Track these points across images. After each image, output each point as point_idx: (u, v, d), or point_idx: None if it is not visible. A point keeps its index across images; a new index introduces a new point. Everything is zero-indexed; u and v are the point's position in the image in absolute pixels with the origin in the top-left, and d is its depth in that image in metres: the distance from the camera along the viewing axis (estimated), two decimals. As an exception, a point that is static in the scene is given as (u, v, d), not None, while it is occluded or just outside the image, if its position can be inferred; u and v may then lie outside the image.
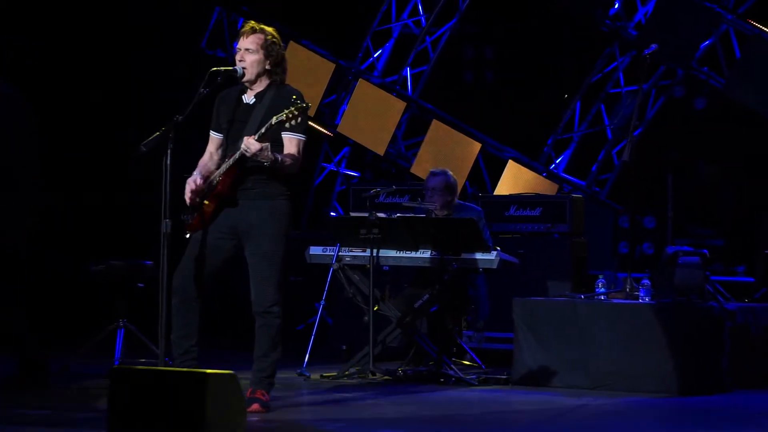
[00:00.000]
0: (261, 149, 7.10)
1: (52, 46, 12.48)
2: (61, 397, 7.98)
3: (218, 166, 7.40)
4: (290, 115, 7.07)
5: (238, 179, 7.25)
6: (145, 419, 6.07)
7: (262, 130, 7.13)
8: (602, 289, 9.07)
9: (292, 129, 7.18)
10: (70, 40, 12.64)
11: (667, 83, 12.76)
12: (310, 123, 7.44)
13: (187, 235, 7.35)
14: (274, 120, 7.09)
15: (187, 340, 7.29)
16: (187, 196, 7.34)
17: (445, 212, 9.57)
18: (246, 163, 7.23)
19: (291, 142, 7.26)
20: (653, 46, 9.44)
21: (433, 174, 9.74)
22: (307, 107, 7.14)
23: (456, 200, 9.73)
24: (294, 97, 7.15)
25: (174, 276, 7.27)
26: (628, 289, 9.03)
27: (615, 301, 8.92)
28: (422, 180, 10.08)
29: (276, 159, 7.16)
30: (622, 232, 11.54)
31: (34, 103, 8.23)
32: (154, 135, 6.94)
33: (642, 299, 8.77)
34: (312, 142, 7.40)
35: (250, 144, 7.11)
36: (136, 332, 9.27)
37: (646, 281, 8.85)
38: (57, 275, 11.81)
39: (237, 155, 7.18)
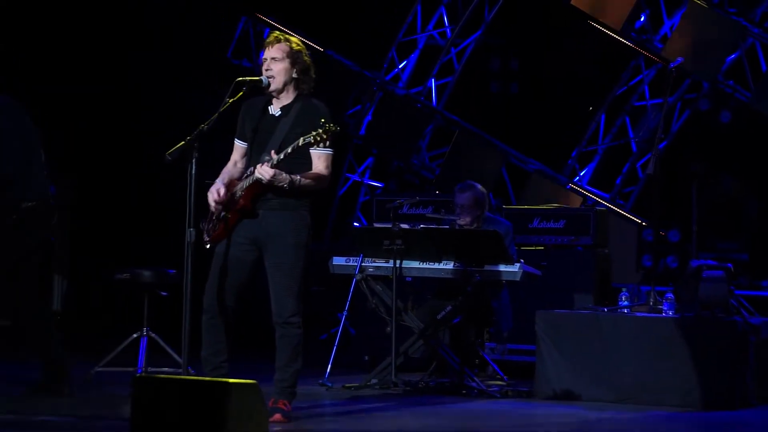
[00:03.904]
0: (274, 176, 7.09)
1: (75, 55, 12.52)
2: (84, 405, 7.99)
3: (241, 175, 7.40)
4: (318, 138, 7.04)
5: (260, 193, 7.24)
6: (167, 428, 6.08)
7: (288, 150, 7.10)
8: (625, 302, 9.04)
9: (307, 144, 7.15)
10: (98, 49, 12.70)
11: (693, 96, 12.73)
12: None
13: (208, 246, 7.36)
14: (301, 141, 7.07)
15: (217, 357, 7.29)
16: (212, 205, 7.35)
17: (475, 226, 9.52)
18: None
19: (319, 158, 7.25)
20: (679, 59, 9.41)
21: (460, 190, 9.64)
22: (337, 131, 7.11)
23: (485, 213, 9.68)
24: (323, 120, 7.11)
25: (205, 294, 7.28)
26: (651, 303, 9.00)
27: (638, 314, 8.89)
28: (446, 190, 10.05)
29: (293, 181, 7.14)
30: (646, 245, 11.50)
31: (56, 112, 8.27)
32: (179, 144, 6.94)
33: (666, 313, 8.75)
34: (336, 153, 7.37)
35: (264, 172, 7.09)
36: (159, 341, 9.29)
37: (670, 295, 8.82)
38: (82, 283, 11.86)
39: (253, 178, 7.17)
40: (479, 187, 9.73)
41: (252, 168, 7.26)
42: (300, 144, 7.07)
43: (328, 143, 7.08)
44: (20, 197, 8.02)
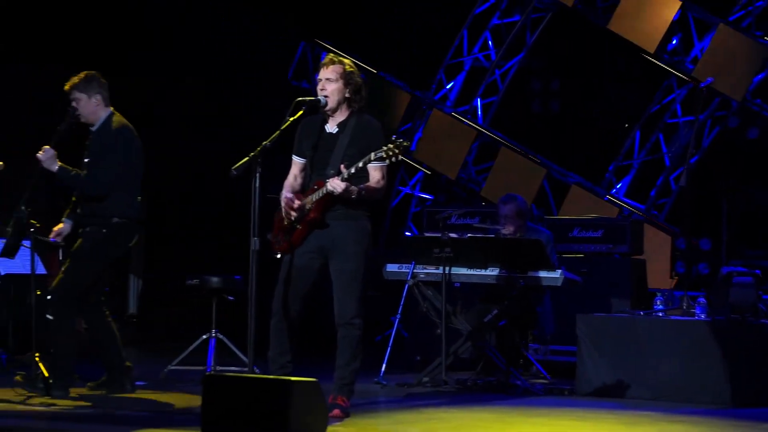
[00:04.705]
0: (346, 188, 7.11)
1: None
2: (159, 400, 8.04)
3: (301, 188, 7.42)
4: (390, 153, 7.04)
5: (329, 205, 7.26)
6: (235, 422, 6.11)
7: (359, 164, 7.11)
8: (660, 307, 8.99)
9: (378, 159, 7.15)
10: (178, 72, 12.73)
11: (722, 114, 12.63)
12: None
13: (278, 256, 7.38)
14: (373, 156, 7.07)
15: (283, 357, 7.31)
16: (284, 212, 7.34)
17: (518, 235, 9.49)
18: None
19: (376, 170, 7.25)
20: (709, 79, 9.35)
21: (503, 202, 9.64)
22: (408, 146, 7.13)
23: (527, 223, 9.66)
24: (394, 136, 7.13)
25: (273, 299, 7.30)
26: (684, 307, 8.94)
27: (673, 317, 8.83)
28: (492, 202, 10.03)
29: (360, 192, 7.17)
30: (679, 253, 11.42)
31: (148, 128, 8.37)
32: (244, 160, 6.97)
33: (698, 316, 8.68)
34: (389, 168, 7.37)
35: (336, 185, 7.11)
36: (226, 342, 9.32)
37: (702, 299, 8.75)
38: (156, 288, 11.92)
39: (325, 191, 7.18)
40: (521, 198, 9.71)
41: (318, 181, 7.27)
42: (372, 158, 7.08)
43: (400, 157, 7.07)
44: (111, 213, 8.08)
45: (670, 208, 12.94)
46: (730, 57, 12.09)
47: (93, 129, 8.21)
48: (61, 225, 8.36)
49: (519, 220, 9.54)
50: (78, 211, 8.25)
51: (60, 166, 8.05)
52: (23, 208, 8.18)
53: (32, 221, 8.20)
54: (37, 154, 8.06)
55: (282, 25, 13.69)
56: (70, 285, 8.06)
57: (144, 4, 12.91)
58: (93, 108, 8.16)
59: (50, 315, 8.32)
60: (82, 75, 8.22)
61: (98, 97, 8.17)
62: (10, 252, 8.39)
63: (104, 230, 8.05)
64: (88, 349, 8.41)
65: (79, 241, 8.18)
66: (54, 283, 8.17)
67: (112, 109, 8.23)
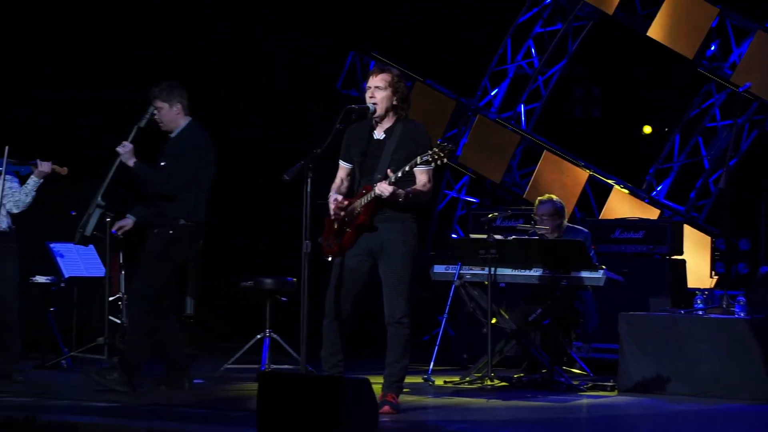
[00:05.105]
0: (393, 192, 7.15)
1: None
2: (216, 397, 8.11)
3: (348, 192, 7.46)
4: (436, 156, 7.07)
5: (378, 209, 7.30)
6: (289, 418, 6.16)
7: (406, 168, 7.15)
8: (700, 305, 8.95)
9: (424, 162, 7.18)
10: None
11: (760, 118, 12.55)
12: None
13: (329, 259, 7.42)
14: (419, 159, 7.11)
15: (334, 356, 7.35)
16: (333, 211, 7.39)
17: (556, 234, 9.52)
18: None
19: (423, 173, 7.30)
20: (747, 84, 9.31)
21: (541, 202, 9.69)
22: (454, 150, 7.17)
23: (565, 223, 9.68)
24: (440, 140, 7.17)
25: (325, 300, 7.35)
26: (724, 305, 8.91)
27: (713, 316, 8.80)
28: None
29: (408, 195, 7.21)
30: (719, 254, 11.36)
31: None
32: (296, 165, 7.02)
33: (738, 315, 8.64)
34: (435, 172, 7.40)
35: (384, 189, 7.16)
36: (280, 341, 9.38)
37: (742, 298, 8.71)
38: (213, 290, 12.00)
39: (373, 194, 7.22)
40: (557, 199, 9.73)
41: (366, 186, 7.31)
42: (419, 162, 7.12)
43: (446, 160, 7.11)
44: (179, 215, 8.17)
45: (710, 209, 12.86)
46: (768, 62, 12.02)
47: (172, 136, 8.30)
48: (123, 219, 8.47)
49: (557, 219, 9.57)
50: (147, 209, 8.34)
51: (136, 162, 8.14)
52: (100, 199, 8.29)
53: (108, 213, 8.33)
54: (117, 148, 8.16)
55: (327, 36, 13.74)
56: (146, 286, 8.14)
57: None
58: (173, 116, 8.25)
59: (125, 317, 8.43)
60: (163, 84, 8.29)
61: (179, 105, 8.26)
62: (85, 240, 8.51)
63: (171, 231, 8.14)
64: (150, 348, 8.49)
65: (148, 242, 8.26)
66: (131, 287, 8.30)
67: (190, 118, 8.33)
